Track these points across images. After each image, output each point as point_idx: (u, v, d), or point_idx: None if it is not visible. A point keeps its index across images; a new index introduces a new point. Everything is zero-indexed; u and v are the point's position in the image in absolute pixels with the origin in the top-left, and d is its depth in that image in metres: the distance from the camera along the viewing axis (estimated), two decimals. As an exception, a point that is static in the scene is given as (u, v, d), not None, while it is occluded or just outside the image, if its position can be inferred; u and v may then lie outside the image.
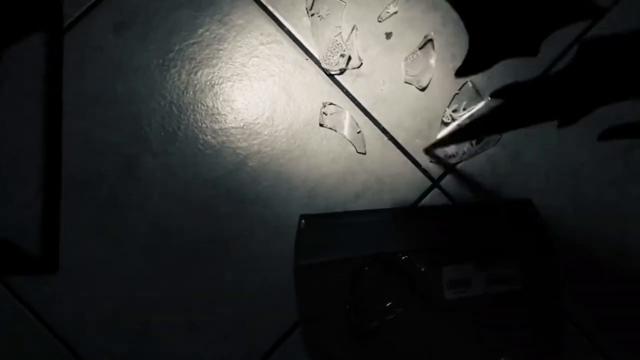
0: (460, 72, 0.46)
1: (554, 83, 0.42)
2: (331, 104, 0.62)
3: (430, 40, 0.61)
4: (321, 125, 0.62)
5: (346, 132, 0.61)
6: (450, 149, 0.61)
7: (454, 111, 0.61)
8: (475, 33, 0.43)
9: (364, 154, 0.61)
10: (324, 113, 0.62)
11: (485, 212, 0.60)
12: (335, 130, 0.62)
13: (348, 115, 0.61)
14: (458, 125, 0.60)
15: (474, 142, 0.61)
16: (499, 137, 0.61)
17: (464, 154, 0.60)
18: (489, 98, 0.60)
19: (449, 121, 0.61)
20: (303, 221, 0.60)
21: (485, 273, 0.58)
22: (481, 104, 0.61)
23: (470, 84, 0.61)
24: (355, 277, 0.58)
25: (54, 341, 0.62)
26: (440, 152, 0.61)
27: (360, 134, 0.61)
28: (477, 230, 0.59)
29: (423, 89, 0.61)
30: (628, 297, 0.59)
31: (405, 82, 0.61)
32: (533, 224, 0.59)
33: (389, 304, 0.58)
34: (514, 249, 0.59)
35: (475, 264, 0.58)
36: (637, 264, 0.60)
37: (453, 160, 0.60)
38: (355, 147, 0.62)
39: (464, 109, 0.61)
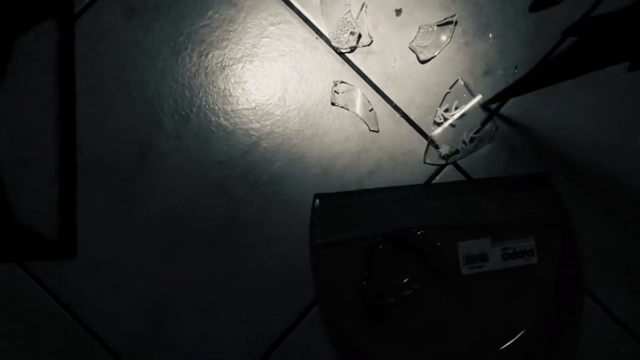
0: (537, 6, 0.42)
1: (630, 17, 0.38)
2: (342, 82, 0.62)
3: (453, 22, 0.61)
4: (333, 104, 0.62)
5: (358, 110, 0.61)
6: (444, 149, 0.60)
7: (446, 110, 0.60)
8: None
9: (377, 131, 0.61)
10: (335, 92, 0.62)
11: (500, 186, 0.60)
12: (347, 109, 0.61)
13: (360, 93, 0.61)
14: (530, 71, 0.54)
15: (467, 140, 0.60)
16: (494, 133, 0.60)
17: (457, 152, 0.60)
18: (561, 37, 0.54)
19: (440, 121, 0.60)
20: (317, 200, 0.60)
21: (500, 248, 0.58)
22: (474, 102, 0.60)
23: (462, 82, 0.60)
24: (370, 255, 0.58)
25: (75, 325, 0.63)
26: (433, 154, 0.60)
27: (372, 111, 0.61)
28: (492, 205, 0.59)
29: (423, 62, 0.61)
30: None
31: (409, 48, 0.61)
32: (548, 197, 0.59)
33: (405, 280, 0.58)
34: (529, 223, 0.58)
35: (491, 238, 0.58)
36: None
37: (449, 160, 0.60)
38: (367, 125, 0.61)
39: (456, 108, 0.60)
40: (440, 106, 0.60)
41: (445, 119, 0.60)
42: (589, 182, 0.60)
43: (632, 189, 0.60)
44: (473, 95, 0.60)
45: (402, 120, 0.61)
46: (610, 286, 0.60)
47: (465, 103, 0.60)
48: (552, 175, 0.60)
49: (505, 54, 0.61)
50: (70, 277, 0.63)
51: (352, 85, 0.62)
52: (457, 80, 0.60)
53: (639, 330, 0.60)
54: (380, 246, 0.58)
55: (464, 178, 0.61)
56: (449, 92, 0.61)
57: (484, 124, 0.60)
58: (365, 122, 0.61)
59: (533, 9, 0.41)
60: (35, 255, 0.64)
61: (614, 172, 0.60)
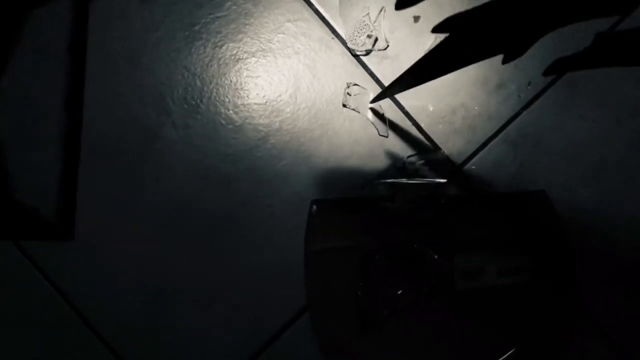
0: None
1: (494, 12, 0.39)
2: (355, 84, 0.61)
3: None
4: (344, 105, 0.61)
5: (369, 113, 0.61)
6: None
7: (409, 157, 0.60)
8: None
9: (386, 137, 0.61)
10: (347, 93, 0.61)
11: (499, 202, 0.60)
12: (358, 112, 0.61)
13: (372, 97, 0.61)
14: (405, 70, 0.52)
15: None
16: (444, 155, 0.60)
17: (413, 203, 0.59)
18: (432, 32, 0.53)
19: (400, 165, 0.60)
20: (314, 206, 0.60)
21: (496, 264, 0.58)
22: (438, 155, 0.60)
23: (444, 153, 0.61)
24: (366, 264, 0.58)
25: (66, 308, 0.62)
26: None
27: (383, 116, 0.61)
28: (490, 221, 0.59)
29: None
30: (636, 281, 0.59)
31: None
32: (546, 215, 0.59)
33: (400, 292, 0.58)
34: (526, 240, 0.58)
35: (487, 254, 0.58)
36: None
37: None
38: (377, 130, 0.61)
39: (420, 160, 0.60)
40: (407, 157, 0.60)
41: (407, 165, 0.60)
42: (589, 203, 0.60)
43: (634, 211, 0.60)
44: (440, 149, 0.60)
45: (413, 127, 0.61)
46: (607, 308, 0.60)
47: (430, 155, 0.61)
48: (553, 192, 0.60)
49: (519, 68, 0.61)
50: (65, 259, 0.62)
51: (365, 89, 0.61)
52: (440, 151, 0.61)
53: (633, 354, 0.60)
54: (376, 256, 0.58)
55: (470, 188, 0.61)
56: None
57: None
58: (375, 127, 0.61)
59: (398, 7, 0.41)
60: (31, 234, 0.63)
61: (617, 194, 0.60)
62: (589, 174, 0.60)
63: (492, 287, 0.57)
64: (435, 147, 0.60)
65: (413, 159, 0.60)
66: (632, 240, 0.60)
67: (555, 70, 0.45)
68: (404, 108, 0.61)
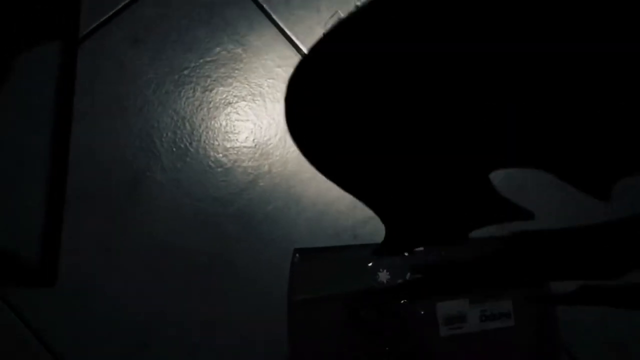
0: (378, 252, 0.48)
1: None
2: (344, 129, 0.62)
3: None
4: None
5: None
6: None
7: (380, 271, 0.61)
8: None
9: None
10: None
11: (479, 246, 0.61)
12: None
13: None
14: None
15: None
16: None
17: None
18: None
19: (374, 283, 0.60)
20: (297, 255, 0.60)
21: (479, 309, 0.58)
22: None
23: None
24: (350, 321, 0.58)
25: (47, 356, 0.60)
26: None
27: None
28: (470, 265, 0.60)
29: None
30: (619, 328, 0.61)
31: None
32: (527, 259, 0.60)
33: (387, 348, 0.58)
34: (506, 285, 0.59)
35: (469, 299, 0.59)
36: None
37: None
38: (365, 173, 0.62)
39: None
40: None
41: (379, 280, 0.60)
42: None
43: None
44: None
45: (400, 170, 0.63)
46: (590, 352, 0.61)
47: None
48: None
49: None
50: (47, 306, 0.60)
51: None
52: None
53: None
54: (361, 313, 0.58)
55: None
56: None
57: None
58: (363, 170, 0.62)
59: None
60: (12, 279, 0.61)
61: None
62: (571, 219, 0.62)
63: (476, 333, 0.58)
64: None
65: None
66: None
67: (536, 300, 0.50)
68: (391, 152, 0.63)
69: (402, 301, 0.58)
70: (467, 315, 0.58)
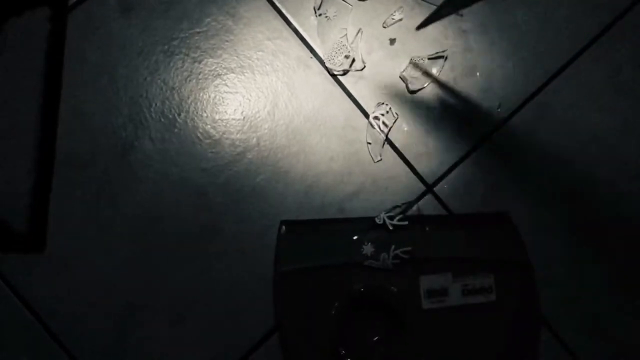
0: None
1: None
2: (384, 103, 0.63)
3: (444, 57, 0.63)
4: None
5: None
6: None
7: (387, 213, 0.61)
8: None
9: (380, 160, 0.63)
10: (375, 117, 0.63)
11: (463, 223, 0.61)
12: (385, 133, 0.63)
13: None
14: None
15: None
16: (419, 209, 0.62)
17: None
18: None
19: (380, 222, 0.61)
20: (284, 227, 0.61)
21: (461, 284, 0.59)
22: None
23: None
24: (341, 315, 0.59)
25: (35, 323, 0.61)
26: None
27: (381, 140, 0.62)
28: (454, 241, 0.60)
29: (412, 92, 0.63)
30: (605, 304, 0.61)
31: (400, 77, 0.63)
32: (509, 236, 0.61)
33: (376, 338, 0.59)
34: (489, 261, 0.60)
35: (452, 274, 0.59)
36: (616, 271, 0.62)
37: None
38: (371, 154, 0.63)
39: (399, 214, 0.61)
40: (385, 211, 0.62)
41: (385, 222, 0.61)
42: (551, 223, 0.63)
43: (593, 231, 0.63)
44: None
45: (387, 146, 0.63)
46: (570, 325, 0.62)
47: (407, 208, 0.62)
48: (518, 213, 0.62)
49: (489, 92, 0.63)
50: (35, 273, 0.61)
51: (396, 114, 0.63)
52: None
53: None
54: (351, 306, 0.59)
55: (442, 209, 0.62)
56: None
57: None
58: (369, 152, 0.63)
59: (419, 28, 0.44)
60: (1, 246, 0.62)
61: (578, 214, 0.63)
62: (557, 196, 0.63)
63: (457, 307, 0.59)
64: (410, 203, 0.62)
65: (391, 213, 0.61)
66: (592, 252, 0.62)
67: None
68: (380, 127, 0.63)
69: (385, 273, 0.59)
70: (449, 289, 0.59)
